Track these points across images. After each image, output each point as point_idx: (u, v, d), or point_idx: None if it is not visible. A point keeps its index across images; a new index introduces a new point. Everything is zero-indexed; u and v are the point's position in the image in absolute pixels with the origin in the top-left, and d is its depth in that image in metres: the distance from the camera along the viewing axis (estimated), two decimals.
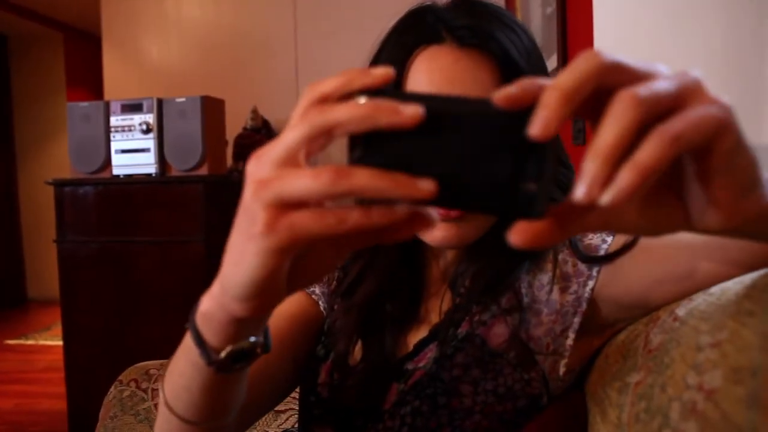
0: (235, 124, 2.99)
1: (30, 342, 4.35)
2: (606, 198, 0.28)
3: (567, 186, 0.72)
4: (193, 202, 2.24)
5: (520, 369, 0.63)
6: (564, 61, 1.86)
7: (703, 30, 1.32)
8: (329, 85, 0.34)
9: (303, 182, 0.33)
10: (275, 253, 0.34)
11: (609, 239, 0.68)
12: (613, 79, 0.30)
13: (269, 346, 0.46)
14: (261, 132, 3.17)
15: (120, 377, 1.08)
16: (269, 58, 3.58)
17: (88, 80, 5.57)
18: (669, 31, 1.35)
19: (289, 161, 0.34)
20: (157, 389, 1.04)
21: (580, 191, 0.29)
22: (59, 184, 2.34)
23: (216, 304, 0.41)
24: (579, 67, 0.30)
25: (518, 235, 0.31)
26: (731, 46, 1.32)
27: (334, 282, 0.83)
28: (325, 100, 0.34)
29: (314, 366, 0.77)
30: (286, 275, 0.37)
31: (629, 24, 1.39)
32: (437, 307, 0.73)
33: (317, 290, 0.82)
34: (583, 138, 1.81)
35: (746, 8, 1.28)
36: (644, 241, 0.62)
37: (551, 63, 1.92)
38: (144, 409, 1.02)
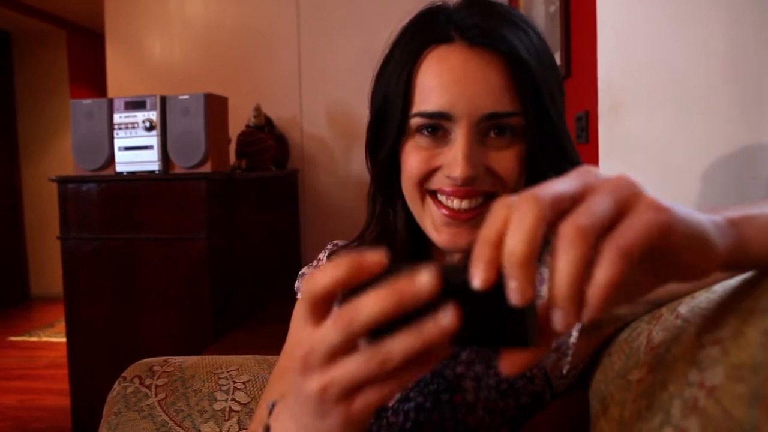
0: (238, 122, 3.00)
1: (33, 339, 4.36)
2: (585, 318, 0.32)
3: None
4: (196, 200, 2.25)
5: None
6: (567, 59, 1.85)
7: (706, 29, 1.32)
8: (325, 284, 0.37)
9: (353, 371, 0.36)
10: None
11: None
12: (556, 212, 0.33)
13: None
14: (264, 129, 3.17)
15: (124, 374, 1.08)
16: (272, 55, 3.58)
17: (91, 78, 5.58)
18: (672, 30, 1.35)
19: (333, 358, 0.37)
20: (161, 385, 1.04)
21: (558, 324, 0.33)
22: (63, 181, 2.35)
23: None
24: (523, 225, 0.32)
25: (507, 366, 0.36)
26: (733, 44, 1.32)
27: None
28: (327, 299, 0.37)
29: None
30: None
31: (633, 23, 1.39)
32: None
33: None
34: (585, 137, 1.80)
35: (749, 6, 1.28)
36: None
37: None
38: (148, 405, 1.02)
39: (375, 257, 0.36)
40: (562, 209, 0.33)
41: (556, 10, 1.90)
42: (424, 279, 0.34)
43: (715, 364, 0.39)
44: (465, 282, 0.34)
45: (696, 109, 1.41)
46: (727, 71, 1.34)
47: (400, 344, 0.35)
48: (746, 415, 0.33)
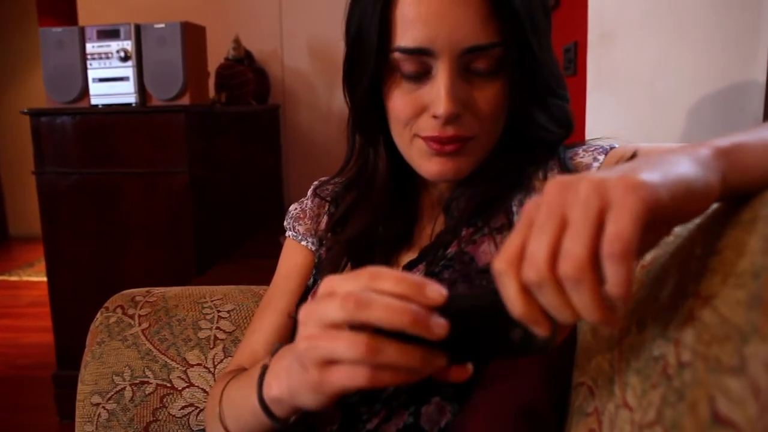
0: (216, 54, 2.89)
1: (14, 278, 4.34)
2: (620, 307, 0.35)
3: (561, 119, 0.71)
4: (176, 132, 2.19)
5: None
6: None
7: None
8: (388, 285, 0.41)
9: (341, 349, 0.41)
10: (324, 399, 0.47)
11: (600, 158, 0.67)
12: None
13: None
14: (243, 63, 3.08)
15: (106, 304, 1.07)
16: None
17: (60, 8, 5.32)
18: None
19: (332, 326, 0.43)
20: (144, 315, 1.04)
21: (600, 322, 0.35)
22: (35, 114, 2.27)
23: (284, 398, 0.52)
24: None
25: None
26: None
27: (325, 216, 0.82)
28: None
29: (305, 296, 0.77)
30: None
31: None
32: (430, 230, 0.73)
33: (301, 229, 0.84)
34: (573, 69, 1.77)
35: None
36: (641, 154, 0.61)
37: None
38: (131, 334, 1.02)
39: (438, 294, 0.41)
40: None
41: None
42: (434, 293, 0.41)
43: (713, 274, 0.38)
44: (490, 303, 0.39)
45: (686, 40, 1.38)
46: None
47: (394, 350, 0.41)
48: (745, 319, 0.33)
